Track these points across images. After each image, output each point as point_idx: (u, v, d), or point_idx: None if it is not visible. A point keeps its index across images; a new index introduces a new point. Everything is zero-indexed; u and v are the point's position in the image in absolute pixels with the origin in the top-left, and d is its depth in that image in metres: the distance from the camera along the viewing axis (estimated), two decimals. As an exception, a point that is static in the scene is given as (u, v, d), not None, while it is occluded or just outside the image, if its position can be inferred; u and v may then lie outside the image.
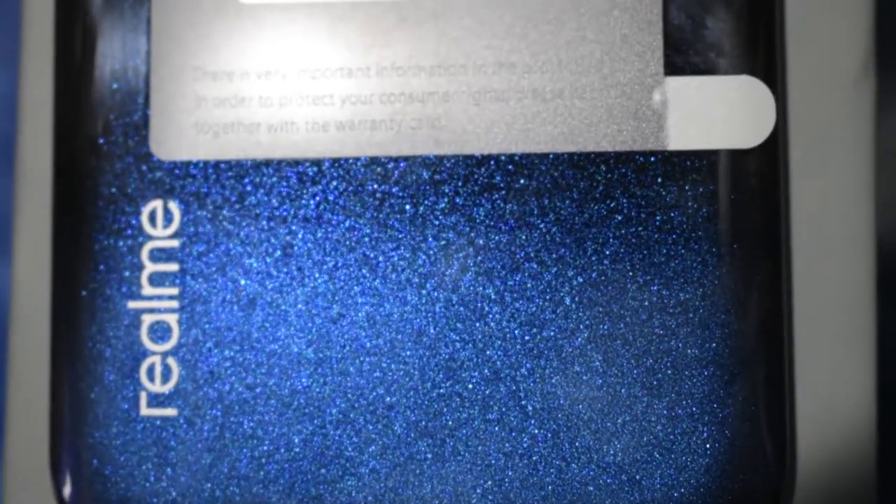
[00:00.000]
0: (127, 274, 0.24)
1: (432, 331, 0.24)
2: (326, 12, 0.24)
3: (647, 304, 0.24)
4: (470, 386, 0.24)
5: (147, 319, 0.24)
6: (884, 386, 0.24)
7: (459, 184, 0.24)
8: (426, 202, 0.24)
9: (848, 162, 0.24)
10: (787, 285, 0.24)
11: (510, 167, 0.24)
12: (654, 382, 0.23)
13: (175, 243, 0.24)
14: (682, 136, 0.24)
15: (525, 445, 0.23)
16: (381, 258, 0.24)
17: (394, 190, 0.24)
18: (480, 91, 0.24)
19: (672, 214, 0.24)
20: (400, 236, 0.24)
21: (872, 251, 0.24)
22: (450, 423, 0.23)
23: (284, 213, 0.24)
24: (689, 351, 0.23)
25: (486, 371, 0.24)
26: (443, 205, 0.24)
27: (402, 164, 0.24)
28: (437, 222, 0.24)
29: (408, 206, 0.24)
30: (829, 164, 0.24)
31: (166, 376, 0.24)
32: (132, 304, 0.24)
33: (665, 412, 0.23)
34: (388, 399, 0.24)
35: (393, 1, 0.24)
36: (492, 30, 0.24)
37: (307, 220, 0.24)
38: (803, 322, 0.24)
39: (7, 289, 0.25)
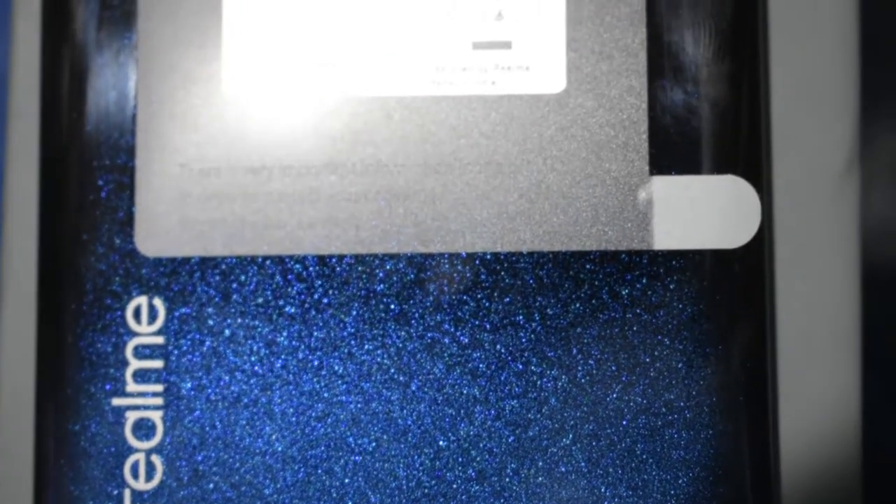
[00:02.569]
0: (112, 371, 0.24)
1: (417, 430, 0.24)
2: (312, 107, 0.24)
3: (632, 404, 0.24)
4: (454, 486, 0.24)
5: (131, 416, 0.24)
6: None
7: (444, 282, 0.24)
8: (411, 300, 0.24)
9: (834, 259, 0.24)
10: (772, 385, 0.24)
11: (495, 265, 0.24)
12: (640, 483, 0.23)
13: (160, 340, 0.24)
14: (668, 235, 0.24)
15: (510, 546, 0.23)
16: (366, 356, 0.24)
17: (379, 288, 0.24)
18: (466, 190, 0.24)
19: (658, 314, 0.24)
20: (385, 334, 0.24)
21: (858, 349, 0.24)
22: (434, 522, 0.23)
23: (269, 311, 0.24)
24: (673, 452, 0.23)
25: (470, 471, 0.24)
26: (428, 303, 0.24)
27: (387, 263, 0.24)
28: (422, 321, 0.24)
29: (393, 305, 0.24)
30: (815, 262, 0.24)
31: (150, 474, 0.24)
32: (117, 401, 0.24)
33: (650, 513, 0.23)
34: (373, 498, 0.24)
35: (379, 97, 0.24)
36: (478, 129, 0.24)
37: (292, 317, 0.24)
38: (789, 423, 0.24)
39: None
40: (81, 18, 0.24)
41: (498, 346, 0.24)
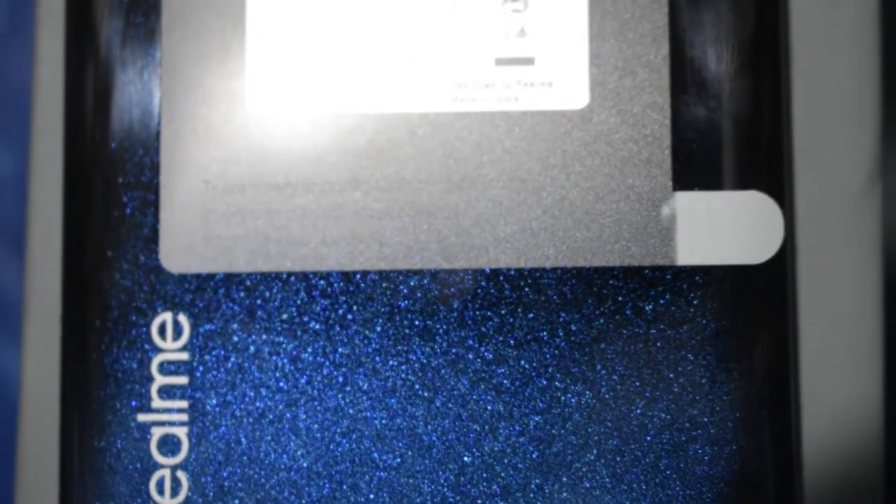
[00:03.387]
0: (137, 387, 0.24)
1: (441, 445, 0.24)
2: (336, 124, 0.24)
3: (655, 419, 0.24)
4: (479, 501, 0.24)
5: (157, 432, 0.24)
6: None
7: (469, 298, 0.24)
8: (435, 316, 0.24)
9: (857, 274, 0.24)
10: (796, 401, 0.24)
11: (519, 281, 0.24)
12: (664, 499, 0.23)
13: (185, 356, 0.24)
14: (691, 251, 0.24)
15: (534, 561, 0.23)
16: (390, 372, 0.24)
17: (403, 304, 0.24)
18: (489, 206, 0.24)
19: (681, 329, 0.24)
20: (409, 350, 0.24)
21: (881, 364, 0.24)
22: (459, 538, 0.24)
23: (294, 327, 0.24)
24: (697, 468, 0.23)
25: (494, 486, 0.24)
26: (452, 319, 0.24)
27: (411, 279, 0.24)
28: (446, 336, 0.24)
29: (417, 321, 0.24)
30: (838, 277, 0.24)
31: (176, 490, 0.24)
32: (142, 417, 0.24)
33: (674, 528, 0.23)
34: (398, 513, 0.24)
35: (402, 114, 0.24)
36: (501, 145, 0.24)
37: (317, 333, 0.24)
38: (812, 438, 0.24)
39: (18, 398, 0.25)
40: (105, 36, 0.24)
41: (522, 362, 0.24)
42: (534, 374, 0.24)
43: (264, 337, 0.24)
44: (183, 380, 0.24)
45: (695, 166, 0.24)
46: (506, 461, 0.24)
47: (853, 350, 0.24)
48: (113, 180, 0.24)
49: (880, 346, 0.24)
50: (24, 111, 0.26)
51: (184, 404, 0.24)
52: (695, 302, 0.24)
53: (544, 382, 0.24)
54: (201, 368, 0.24)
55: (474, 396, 0.24)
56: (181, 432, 0.24)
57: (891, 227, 0.25)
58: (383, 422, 0.24)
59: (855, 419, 0.24)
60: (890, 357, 0.24)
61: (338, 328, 0.24)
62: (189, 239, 0.24)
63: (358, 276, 0.24)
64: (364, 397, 0.24)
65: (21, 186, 0.35)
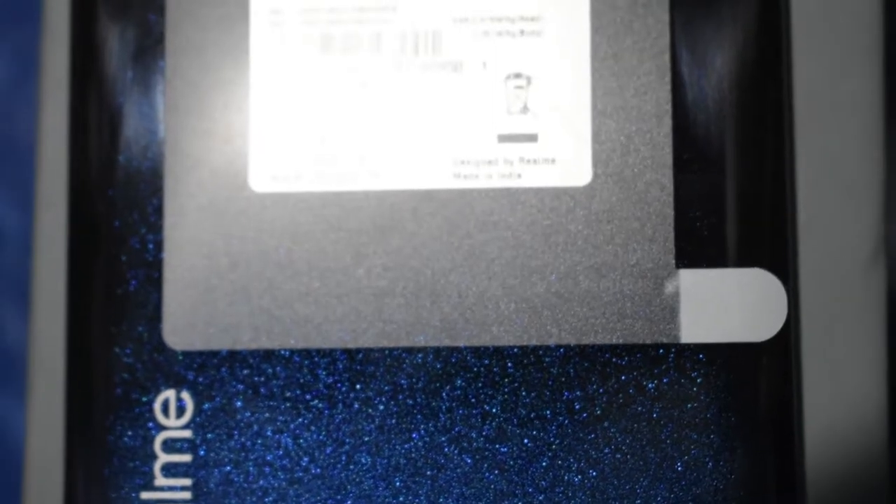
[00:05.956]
0: (140, 464, 0.24)
1: (445, 524, 0.24)
2: (339, 201, 0.24)
3: (659, 498, 0.24)
4: (483, 580, 0.24)
5: (160, 510, 0.24)
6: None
7: (470, 376, 0.24)
8: (439, 394, 0.24)
9: (861, 350, 0.24)
10: (801, 479, 0.24)
11: (522, 359, 0.24)
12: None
13: (188, 434, 0.24)
14: (695, 328, 0.24)
15: None
16: (394, 450, 0.24)
17: (406, 381, 0.24)
18: (492, 283, 0.24)
19: (685, 407, 0.24)
20: (413, 428, 0.24)
21: (888, 442, 0.24)
22: None
23: (297, 405, 0.24)
24: (702, 548, 0.23)
25: (499, 565, 0.24)
26: (455, 396, 0.24)
27: (415, 356, 0.24)
28: (449, 414, 0.24)
29: (420, 398, 0.24)
30: (843, 353, 0.24)
31: (179, 568, 0.24)
32: (146, 495, 0.24)
33: None
34: (402, 592, 0.24)
35: (404, 190, 0.24)
36: (504, 221, 0.24)
37: (320, 411, 0.24)
38: (816, 517, 0.24)
39: (21, 475, 0.25)
40: (110, 111, 0.24)
41: (525, 440, 0.24)
42: (537, 452, 0.24)
43: (267, 415, 0.24)
44: (186, 458, 0.24)
45: (698, 243, 0.24)
46: (509, 540, 0.24)
47: (859, 428, 0.24)
48: (117, 257, 0.24)
49: (886, 424, 0.24)
50: (31, 168, 0.26)
51: (187, 482, 0.24)
52: (698, 380, 0.24)
53: (548, 461, 0.24)
54: (205, 446, 0.24)
55: (478, 475, 0.24)
56: (185, 510, 0.24)
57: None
58: (387, 500, 0.24)
59: (862, 497, 0.24)
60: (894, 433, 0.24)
61: (341, 406, 0.24)
62: (192, 316, 0.24)
63: (361, 354, 0.24)
64: (367, 475, 0.24)
65: (27, 242, 0.35)
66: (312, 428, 0.24)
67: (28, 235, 0.29)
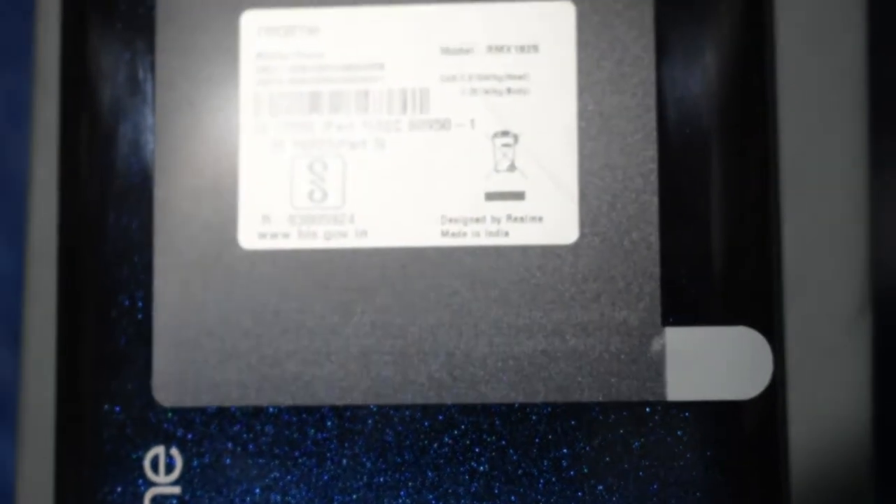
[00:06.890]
0: (129, 521, 0.24)
1: (433, 581, 0.24)
2: (326, 260, 0.24)
3: (646, 556, 0.24)
4: None
5: (149, 566, 0.24)
6: None
7: (458, 433, 0.24)
8: (427, 451, 0.24)
9: (847, 408, 0.24)
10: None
11: (510, 416, 0.24)
12: None
13: (177, 490, 0.24)
14: (681, 386, 0.24)
15: None
16: (381, 507, 0.24)
17: (394, 439, 0.24)
18: (479, 341, 0.24)
19: (672, 465, 0.24)
20: (400, 485, 0.24)
21: (873, 500, 0.24)
22: None
23: (285, 461, 0.24)
24: None
25: None
26: (443, 453, 0.24)
27: (403, 413, 0.24)
28: (437, 471, 0.24)
29: (408, 455, 0.24)
30: (828, 411, 0.24)
31: None
32: (135, 552, 0.24)
33: None
34: None
35: (392, 248, 0.24)
36: (491, 279, 0.24)
37: (308, 468, 0.24)
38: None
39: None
40: (101, 167, 0.25)
41: (512, 497, 0.24)
42: (524, 509, 0.24)
43: (256, 471, 0.24)
44: (175, 514, 0.24)
45: (684, 301, 0.24)
46: None
47: (845, 486, 0.24)
48: (106, 313, 0.24)
49: (872, 479, 0.24)
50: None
51: (176, 538, 0.24)
52: (684, 438, 0.24)
53: (535, 518, 0.24)
54: (194, 503, 0.24)
55: (465, 532, 0.24)
56: (174, 566, 0.24)
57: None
58: (375, 557, 0.24)
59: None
60: (883, 489, 0.24)
61: (329, 463, 0.24)
62: (182, 373, 0.24)
63: (349, 412, 0.24)
64: (355, 532, 0.24)
65: (19, 281, 0.35)
66: (301, 485, 0.24)
67: (19, 274, 0.29)
